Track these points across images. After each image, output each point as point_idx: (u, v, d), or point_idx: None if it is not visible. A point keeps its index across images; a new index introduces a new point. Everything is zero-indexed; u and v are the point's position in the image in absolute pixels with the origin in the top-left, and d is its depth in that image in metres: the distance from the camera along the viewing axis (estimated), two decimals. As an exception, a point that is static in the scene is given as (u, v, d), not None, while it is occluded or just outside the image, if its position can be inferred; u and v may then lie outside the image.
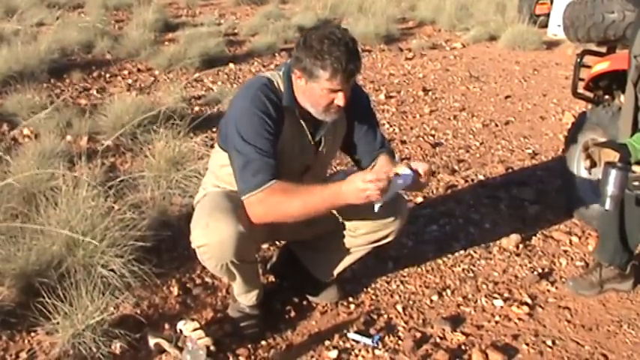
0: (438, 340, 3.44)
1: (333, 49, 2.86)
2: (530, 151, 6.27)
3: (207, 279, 3.86)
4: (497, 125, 7.03)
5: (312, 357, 3.28)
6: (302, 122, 3.14)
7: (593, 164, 3.42)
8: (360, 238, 3.45)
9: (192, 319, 3.27)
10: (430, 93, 8.22)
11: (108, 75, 8.44)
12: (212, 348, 3.11)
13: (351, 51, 2.90)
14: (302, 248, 3.69)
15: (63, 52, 9.03)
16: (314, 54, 2.88)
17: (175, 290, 3.72)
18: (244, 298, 3.40)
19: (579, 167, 4.72)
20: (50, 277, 3.46)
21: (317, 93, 2.97)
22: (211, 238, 2.97)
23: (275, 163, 2.93)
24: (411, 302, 3.77)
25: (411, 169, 2.96)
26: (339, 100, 2.97)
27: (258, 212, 2.94)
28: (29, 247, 3.57)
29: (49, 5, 12.67)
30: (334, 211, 3.28)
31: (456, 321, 3.60)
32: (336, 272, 3.66)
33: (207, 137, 5.47)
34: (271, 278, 3.85)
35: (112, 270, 3.54)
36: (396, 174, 2.89)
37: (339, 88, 2.93)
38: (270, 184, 2.88)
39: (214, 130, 5.64)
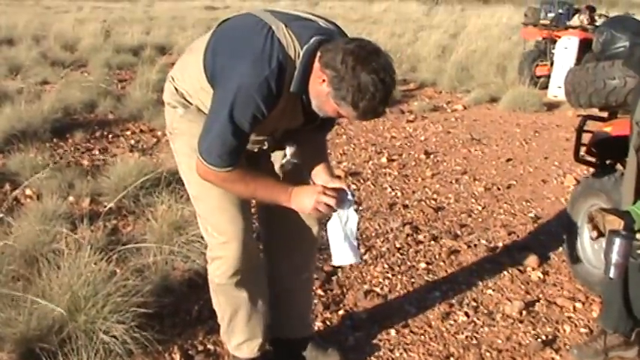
0: (442, 410, 3.41)
1: (375, 97, 2.64)
2: (532, 215, 6.26)
3: (209, 346, 3.82)
4: (499, 189, 7.03)
5: None
6: (302, 102, 2.96)
7: (600, 234, 3.40)
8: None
9: (194, 387, 3.25)
10: (432, 156, 8.24)
11: (110, 135, 8.47)
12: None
13: (387, 102, 2.73)
14: (275, 325, 3.61)
15: (66, 111, 9.07)
16: (356, 87, 2.62)
17: (177, 357, 3.68)
18: (246, 349, 3.39)
19: (582, 233, 4.72)
20: (51, 343, 3.43)
21: (330, 107, 2.77)
22: (228, 252, 3.12)
23: (243, 148, 2.87)
24: (414, 371, 3.74)
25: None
26: (344, 118, 2.90)
27: (205, 177, 2.92)
28: (30, 312, 3.54)
29: (53, 64, 12.77)
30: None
31: (460, 390, 3.56)
32: (306, 318, 3.72)
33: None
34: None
35: (114, 336, 3.50)
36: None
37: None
38: (229, 169, 2.82)
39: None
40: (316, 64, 2.74)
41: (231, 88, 2.76)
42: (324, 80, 2.71)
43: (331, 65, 2.66)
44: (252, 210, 3.34)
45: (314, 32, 2.82)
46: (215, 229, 3.16)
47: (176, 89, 3.13)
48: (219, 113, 2.79)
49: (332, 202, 2.88)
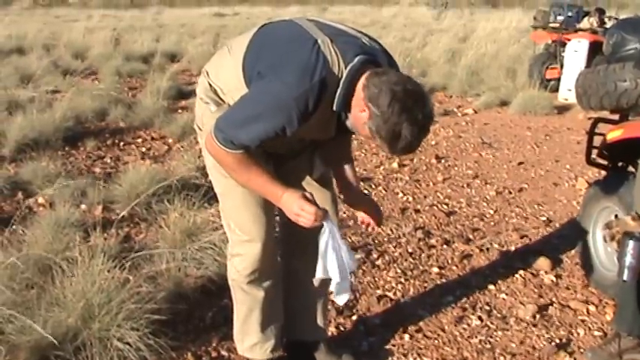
0: (456, 414, 3.40)
1: (412, 144, 2.66)
2: (544, 218, 6.25)
3: (222, 352, 3.82)
4: (510, 192, 7.02)
5: None
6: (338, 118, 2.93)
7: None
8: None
9: (209, 394, 3.25)
10: (443, 160, 8.23)
11: (122, 143, 8.50)
12: None
13: (421, 142, 2.75)
14: (289, 326, 3.61)
15: (77, 119, 9.10)
16: (396, 133, 2.61)
17: (191, 364, 3.69)
18: (259, 350, 3.41)
19: (595, 236, 4.71)
20: (66, 350, 3.44)
21: (365, 132, 2.73)
22: (249, 250, 3.17)
23: (255, 146, 2.82)
24: (428, 375, 3.73)
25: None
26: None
27: (208, 148, 2.91)
28: (45, 319, 3.55)
29: (64, 72, 12.81)
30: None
31: (474, 395, 3.55)
32: (320, 321, 3.65)
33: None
34: None
35: (128, 343, 3.50)
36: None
37: None
38: (236, 152, 2.79)
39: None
40: (360, 94, 2.69)
41: (270, 92, 2.74)
42: (364, 110, 2.67)
43: (376, 103, 2.62)
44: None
45: (358, 50, 2.78)
46: (238, 226, 3.19)
47: (210, 85, 3.08)
48: (247, 107, 2.79)
49: (309, 222, 2.85)
